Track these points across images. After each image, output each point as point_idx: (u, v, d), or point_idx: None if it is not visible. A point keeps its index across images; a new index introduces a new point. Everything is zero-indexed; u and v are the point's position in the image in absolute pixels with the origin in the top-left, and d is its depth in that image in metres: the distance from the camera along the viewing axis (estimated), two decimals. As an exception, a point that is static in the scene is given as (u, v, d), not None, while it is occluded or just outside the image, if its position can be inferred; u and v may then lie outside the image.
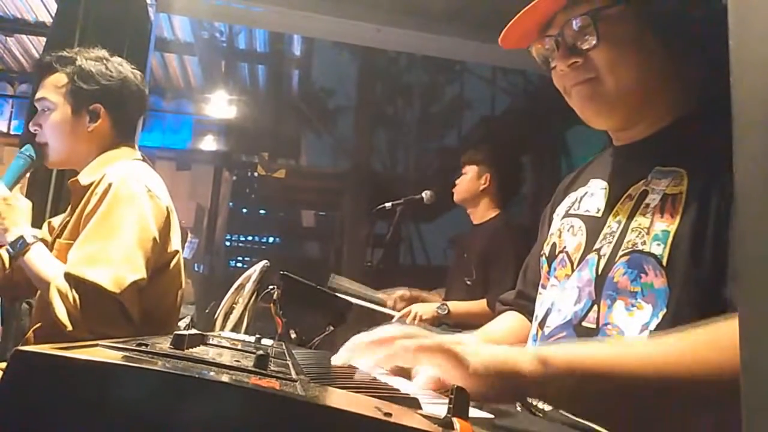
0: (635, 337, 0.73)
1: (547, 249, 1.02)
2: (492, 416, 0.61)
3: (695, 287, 0.74)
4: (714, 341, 0.65)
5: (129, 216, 1.37)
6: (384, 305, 2.55)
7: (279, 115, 7.87)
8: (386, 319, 2.42)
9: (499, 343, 1.08)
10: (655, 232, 0.79)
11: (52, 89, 1.56)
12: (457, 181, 2.75)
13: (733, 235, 0.71)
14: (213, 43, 5.71)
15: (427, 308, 2.44)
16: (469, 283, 2.58)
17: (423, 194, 2.83)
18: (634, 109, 0.89)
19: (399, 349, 0.68)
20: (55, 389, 0.37)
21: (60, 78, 1.56)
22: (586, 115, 0.92)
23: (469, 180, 2.70)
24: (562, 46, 0.89)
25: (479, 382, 0.64)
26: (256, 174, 8.72)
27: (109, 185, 1.40)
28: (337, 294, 2.05)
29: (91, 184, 1.47)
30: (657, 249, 0.78)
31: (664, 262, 0.76)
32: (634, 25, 0.85)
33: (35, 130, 1.58)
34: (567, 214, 0.99)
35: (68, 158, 1.60)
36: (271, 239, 11.62)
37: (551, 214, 1.07)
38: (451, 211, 2.88)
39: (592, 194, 0.96)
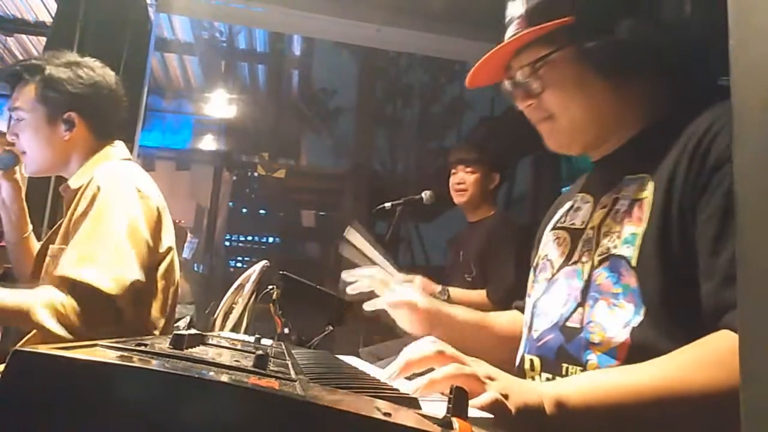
0: (642, 364, 0.74)
1: (534, 261, 1.08)
2: (491, 416, 0.61)
3: (665, 285, 0.78)
4: (715, 355, 0.69)
5: (120, 218, 1.36)
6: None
7: (279, 115, 7.88)
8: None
9: (497, 332, 1.15)
10: (624, 235, 0.84)
11: (24, 99, 1.55)
12: (459, 181, 2.71)
13: (735, 235, 0.73)
14: (213, 43, 5.72)
15: (430, 288, 2.43)
16: (469, 279, 2.58)
17: (423, 194, 2.81)
18: (593, 135, 0.96)
19: (439, 378, 0.67)
20: (55, 389, 0.37)
21: (30, 87, 1.54)
22: (550, 146, 1.00)
23: (477, 180, 2.67)
24: (518, 89, 0.98)
25: (512, 419, 0.66)
26: (256, 174, 8.73)
27: (98, 188, 1.39)
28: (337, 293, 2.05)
29: (81, 187, 1.46)
30: (627, 251, 0.82)
31: (634, 263, 0.81)
32: (575, 66, 0.91)
33: (12, 140, 1.58)
34: (554, 227, 1.05)
35: (48, 166, 1.59)
36: (271, 239, 11.63)
37: (543, 231, 1.12)
38: (450, 211, 2.85)
39: (578, 208, 1.02)
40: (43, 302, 1.24)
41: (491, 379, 0.68)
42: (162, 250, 1.50)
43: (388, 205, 2.85)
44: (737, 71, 0.42)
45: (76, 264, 1.29)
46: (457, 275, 2.67)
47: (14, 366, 0.37)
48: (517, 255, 2.42)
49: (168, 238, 1.52)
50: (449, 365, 0.68)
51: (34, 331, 1.42)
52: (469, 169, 2.68)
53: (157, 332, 1.48)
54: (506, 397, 0.66)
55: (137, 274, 1.33)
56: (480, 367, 0.70)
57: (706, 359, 0.69)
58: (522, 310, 1.16)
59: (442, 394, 0.66)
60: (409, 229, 8.70)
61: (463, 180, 2.68)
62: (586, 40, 0.88)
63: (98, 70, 1.59)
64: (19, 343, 1.46)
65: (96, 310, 1.27)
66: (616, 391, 0.71)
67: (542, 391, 0.70)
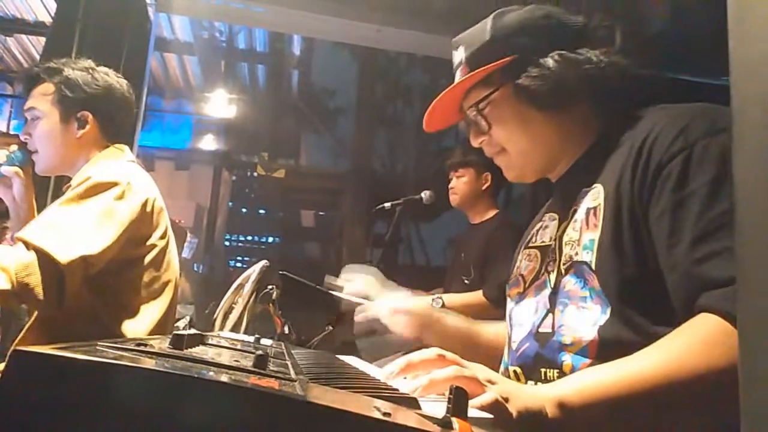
0: (635, 356, 0.76)
1: (510, 279, 1.12)
2: (491, 416, 0.61)
3: (622, 283, 0.82)
4: (702, 338, 0.72)
5: (97, 201, 1.38)
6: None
7: (279, 115, 7.88)
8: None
9: (483, 342, 1.18)
10: (584, 242, 0.89)
11: (40, 98, 1.60)
12: (451, 186, 2.72)
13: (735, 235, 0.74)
14: (213, 42, 5.72)
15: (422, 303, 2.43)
16: (467, 282, 2.57)
17: (422, 194, 2.81)
18: (543, 163, 1.04)
19: (439, 379, 0.67)
20: (55, 389, 0.37)
21: (48, 87, 1.60)
22: (508, 178, 1.08)
23: (467, 182, 2.67)
24: (470, 128, 1.06)
25: (512, 422, 0.67)
26: (255, 174, 8.72)
27: (89, 177, 1.42)
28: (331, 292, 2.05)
29: None
30: (587, 256, 0.88)
31: (593, 267, 0.86)
32: (513, 103, 0.98)
33: (25, 139, 1.63)
34: (526, 246, 1.11)
35: (58, 165, 1.63)
36: (270, 239, 11.62)
37: (519, 251, 1.16)
38: (450, 211, 2.85)
39: (546, 226, 1.06)
40: None
41: (491, 382, 0.69)
42: (147, 245, 1.50)
43: (387, 205, 2.85)
44: (737, 71, 0.42)
45: (34, 228, 1.32)
46: (456, 277, 2.66)
47: (14, 366, 0.37)
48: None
49: (157, 237, 1.53)
50: (450, 367, 0.69)
51: (30, 326, 1.42)
52: (458, 173, 2.69)
53: (132, 322, 1.46)
54: (506, 400, 0.66)
55: (91, 250, 1.31)
56: (480, 371, 0.71)
57: (694, 342, 0.72)
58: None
59: (442, 394, 0.66)
60: (409, 229, 8.70)
61: (454, 185, 2.70)
62: (518, 79, 0.95)
63: (113, 76, 1.68)
64: (18, 338, 1.46)
65: (41, 273, 1.26)
66: (613, 386, 0.73)
67: (542, 394, 0.71)
